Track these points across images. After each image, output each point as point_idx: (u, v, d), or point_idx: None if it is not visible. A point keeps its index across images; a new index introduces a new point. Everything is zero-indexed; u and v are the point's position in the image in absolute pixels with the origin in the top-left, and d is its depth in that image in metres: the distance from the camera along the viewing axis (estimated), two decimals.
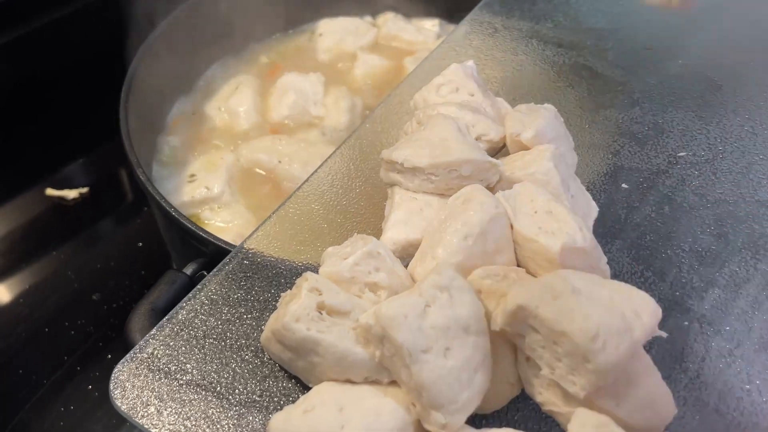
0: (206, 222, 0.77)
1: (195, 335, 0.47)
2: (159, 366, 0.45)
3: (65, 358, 0.82)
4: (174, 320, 0.47)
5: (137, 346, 0.46)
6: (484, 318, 0.41)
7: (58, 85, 1.14)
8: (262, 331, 0.47)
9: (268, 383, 0.45)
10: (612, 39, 0.74)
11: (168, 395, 0.44)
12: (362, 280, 0.44)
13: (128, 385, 0.44)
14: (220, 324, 0.47)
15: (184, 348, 0.46)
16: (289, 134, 0.86)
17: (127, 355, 0.46)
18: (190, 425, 0.43)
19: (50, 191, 0.99)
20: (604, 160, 0.61)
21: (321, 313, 0.42)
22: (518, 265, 0.48)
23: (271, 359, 0.46)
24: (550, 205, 0.47)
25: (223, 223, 0.78)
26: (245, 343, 0.46)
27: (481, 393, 0.40)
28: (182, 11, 0.86)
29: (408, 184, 0.50)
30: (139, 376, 0.45)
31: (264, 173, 0.82)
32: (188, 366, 0.45)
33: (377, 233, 0.50)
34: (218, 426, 0.43)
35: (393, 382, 0.41)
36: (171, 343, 0.47)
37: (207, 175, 0.81)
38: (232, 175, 0.81)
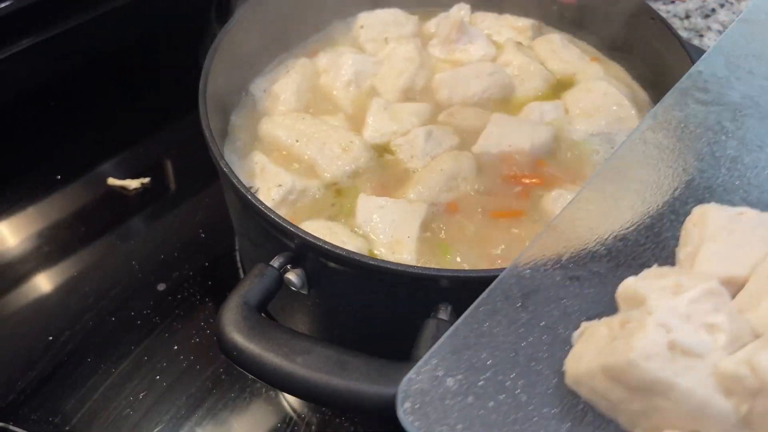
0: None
1: (475, 363, 0.43)
2: (447, 387, 0.42)
3: (132, 348, 0.82)
4: (455, 336, 0.45)
5: (422, 362, 0.43)
6: None
7: (115, 70, 1.14)
8: (547, 358, 0.43)
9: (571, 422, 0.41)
10: None
11: (461, 417, 0.41)
12: (699, 320, 0.39)
13: (417, 405, 0.41)
14: (505, 343, 0.44)
15: (466, 369, 0.43)
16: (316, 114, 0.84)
17: (411, 373, 0.43)
18: None
19: (112, 181, 0.99)
20: None
21: (671, 353, 0.37)
22: None
23: (570, 395, 0.42)
24: None
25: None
26: (537, 369, 0.43)
27: None
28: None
29: None
30: (427, 394, 0.42)
31: (285, 153, 0.80)
32: (473, 393, 0.42)
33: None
34: None
35: None
36: (454, 362, 0.43)
37: (264, 177, 0.77)
38: (286, 164, 0.79)
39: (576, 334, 0.43)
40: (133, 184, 0.99)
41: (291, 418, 0.77)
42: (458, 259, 0.70)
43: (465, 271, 0.61)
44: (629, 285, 0.43)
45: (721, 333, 0.38)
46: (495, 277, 0.58)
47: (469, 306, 0.61)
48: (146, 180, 1.00)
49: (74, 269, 0.90)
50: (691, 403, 0.36)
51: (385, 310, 0.66)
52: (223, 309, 0.56)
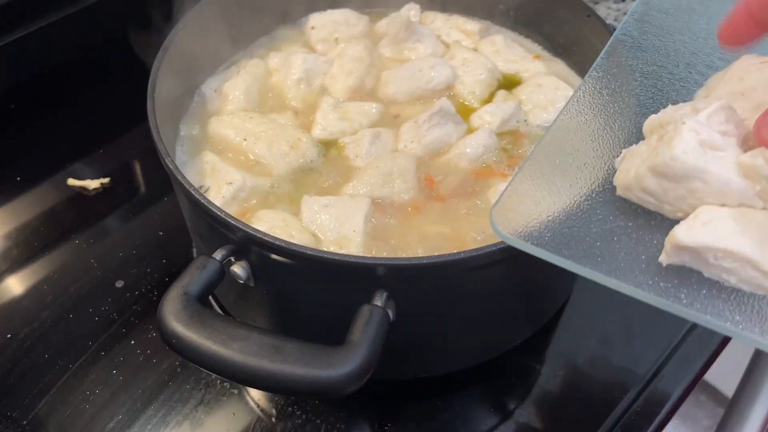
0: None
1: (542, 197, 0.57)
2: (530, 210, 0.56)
3: (90, 343, 0.83)
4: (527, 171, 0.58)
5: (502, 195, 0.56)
6: None
7: (76, 74, 1.16)
8: (601, 181, 0.57)
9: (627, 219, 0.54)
10: None
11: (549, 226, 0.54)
12: (716, 127, 0.51)
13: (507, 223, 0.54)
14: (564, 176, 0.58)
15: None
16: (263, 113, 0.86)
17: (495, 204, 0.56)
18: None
19: (72, 181, 1.01)
20: None
21: (702, 148, 0.49)
22: None
23: (622, 201, 0.55)
24: None
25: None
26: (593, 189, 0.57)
27: None
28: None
29: None
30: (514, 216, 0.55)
31: (234, 151, 0.81)
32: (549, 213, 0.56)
33: None
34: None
35: None
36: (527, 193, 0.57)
37: (215, 176, 0.78)
38: (237, 162, 0.81)
39: (618, 159, 0.57)
40: (93, 184, 1.01)
41: (249, 407, 0.79)
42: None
43: (400, 259, 0.63)
44: (654, 118, 0.55)
45: (730, 138, 0.51)
46: (429, 264, 0.62)
47: (405, 293, 0.64)
48: (106, 180, 1.02)
49: (32, 268, 0.91)
50: (720, 181, 0.49)
51: (328, 298, 0.69)
52: (163, 300, 0.58)
